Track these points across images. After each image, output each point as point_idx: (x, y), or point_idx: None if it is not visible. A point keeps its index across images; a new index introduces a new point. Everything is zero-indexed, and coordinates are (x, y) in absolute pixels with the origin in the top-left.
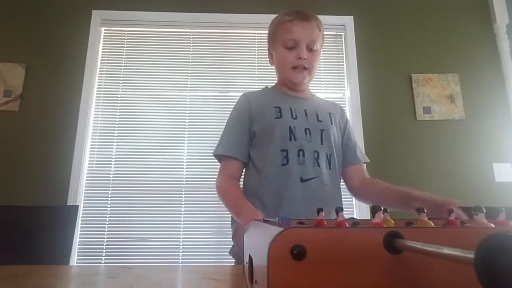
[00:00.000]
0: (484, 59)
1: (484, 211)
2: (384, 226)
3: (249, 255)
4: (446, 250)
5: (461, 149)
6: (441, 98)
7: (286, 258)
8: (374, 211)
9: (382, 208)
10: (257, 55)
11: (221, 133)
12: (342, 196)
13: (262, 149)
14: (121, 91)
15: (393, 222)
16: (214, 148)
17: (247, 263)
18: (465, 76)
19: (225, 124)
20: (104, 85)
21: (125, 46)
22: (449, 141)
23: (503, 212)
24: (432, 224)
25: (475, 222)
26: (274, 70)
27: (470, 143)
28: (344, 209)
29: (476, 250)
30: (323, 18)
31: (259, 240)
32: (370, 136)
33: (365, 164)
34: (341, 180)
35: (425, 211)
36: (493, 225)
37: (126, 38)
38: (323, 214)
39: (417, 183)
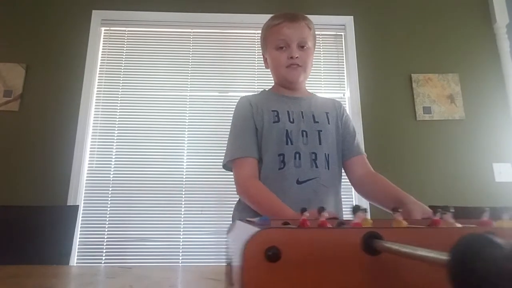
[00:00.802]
0: (484, 59)
1: (452, 211)
2: (363, 226)
3: (230, 256)
4: (421, 252)
5: (461, 149)
6: (441, 98)
7: (260, 260)
8: (354, 210)
9: (361, 207)
10: (257, 55)
11: (221, 135)
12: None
13: (260, 153)
14: (121, 91)
15: (371, 221)
16: (223, 158)
17: (228, 264)
18: (465, 76)
19: (224, 125)
20: (104, 85)
21: (125, 46)
22: (449, 141)
23: (487, 212)
24: (406, 223)
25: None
26: None
27: (470, 143)
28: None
29: (450, 252)
30: (323, 18)
31: (237, 241)
32: (370, 136)
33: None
34: (342, 178)
35: (399, 210)
36: (473, 226)
37: (126, 38)
38: (307, 214)
39: (417, 183)
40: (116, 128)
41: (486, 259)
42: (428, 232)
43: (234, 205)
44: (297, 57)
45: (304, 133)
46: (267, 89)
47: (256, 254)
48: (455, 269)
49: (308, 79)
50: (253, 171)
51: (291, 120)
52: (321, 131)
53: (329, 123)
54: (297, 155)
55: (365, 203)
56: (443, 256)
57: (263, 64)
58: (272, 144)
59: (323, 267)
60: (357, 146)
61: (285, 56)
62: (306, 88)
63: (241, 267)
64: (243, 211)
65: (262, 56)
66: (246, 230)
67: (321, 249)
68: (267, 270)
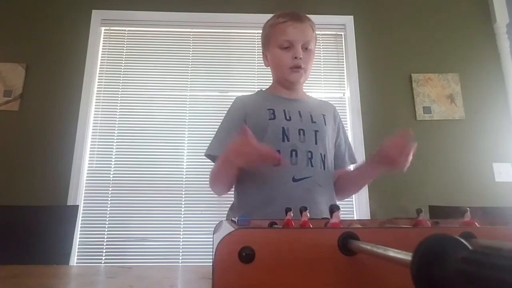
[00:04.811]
0: (484, 59)
1: (422, 211)
2: (341, 226)
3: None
4: (391, 252)
5: (461, 149)
6: (441, 98)
7: (233, 261)
8: (331, 210)
9: (338, 207)
10: (257, 55)
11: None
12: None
13: None
14: (121, 91)
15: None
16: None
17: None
18: (465, 76)
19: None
20: (104, 85)
21: (125, 46)
22: (449, 141)
23: (468, 212)
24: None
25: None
26: None
27: (470, 143)
28: (341, 208)
29: (413, 253)
30: (323, 18)
31: (216, 241)
32: (370, 136)
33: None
34: None
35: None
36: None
37: (126, 38)
38: (292, 214)
39: (417, 183)
40: (116, 128)
41: (445, 260)
42: (404, 232)
43: None
44: (301, 58)
45: (301, 131)
46: (263, 89)
47: (228, 254)
48: (416, 270)
49: (308, 79)
50: None
51: (288, 118)
52: (317, 131)
53: (325, 125)
54: (294, 153)
55: (365, 206)
56: (407, 257)
57: (263, 63)
58: (267, 140)
59: (299, 268)
60: (350, 156)
61: (289, 56)
62: (306, 88)
63: (213, 268)
64: (236, 211)
65: (262, 54)
66: (224, 230)
67: (297, 250)
68: (240, 271)
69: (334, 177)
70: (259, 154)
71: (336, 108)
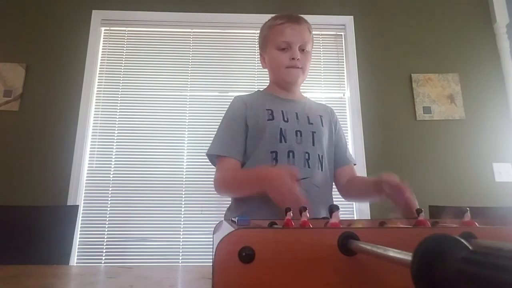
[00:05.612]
0: (484, 59)
1: (422, 211)
2: (341, 226)
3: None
4: (391, 252)
5: (461, 149)
6: (441, 98)
7: (234, 261)
8: (331, 210)
9: (338, 207)
10: (257, 55)
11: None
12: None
13: (251, 150)
14: (121, 91)
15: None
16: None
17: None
18: (465, 76)
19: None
20: (104, 85)
21: (125, 46)
22: (449, 141)
23: (468, 212)
24: (400, 224)
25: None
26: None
27: (470, 143)
28: (340, 208)
29: (413, 253)
30: (323, 18)
31: (215, 241)
32: (370, 136)
33: (355, 166)
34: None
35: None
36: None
37: (126, 38)
38: (291, 214)
39: (417, 183)
40: (116, 128)
41: (446, 260)
42: (403, 232)
43: None
44: (298, 59)
45: (299, 132)
46: (261, 89)
47: (228, 254)
48: (416, 270)
49: (308, 79)
50: (231, 167)
51: (285, 119)
52: (315, 132)
53: (322, 126)
54: (291, 154)
55: (364, 205)
56: (407, 257)
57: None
58: (265, 140)
59: (299, 268)
60: (349, 155)
61: (287, 57)
62: (306, 88)
63: (213, 268)
64: (234, 212)
65: (259, 56)
66: (224, 230)
67: (297, 250)
68: (240, 271)
69: (343, 180)
70: (295, 201)
71: (334, 109)
